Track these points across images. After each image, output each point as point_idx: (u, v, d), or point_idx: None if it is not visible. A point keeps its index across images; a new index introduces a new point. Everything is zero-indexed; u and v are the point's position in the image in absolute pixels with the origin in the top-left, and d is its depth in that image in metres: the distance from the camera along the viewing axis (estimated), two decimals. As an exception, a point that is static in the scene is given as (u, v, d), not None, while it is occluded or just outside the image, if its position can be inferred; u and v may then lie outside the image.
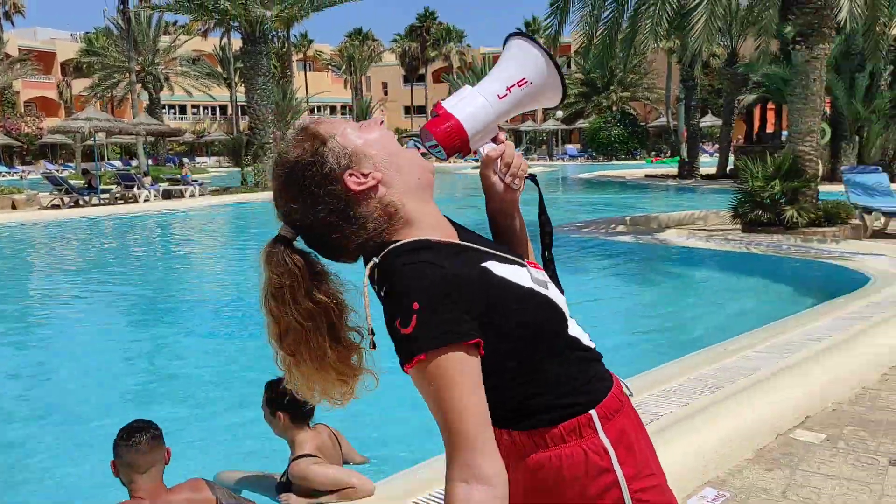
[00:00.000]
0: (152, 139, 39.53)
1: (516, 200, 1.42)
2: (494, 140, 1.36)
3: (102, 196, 21.61)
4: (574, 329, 1.33)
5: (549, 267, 1.44)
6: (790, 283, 8.73)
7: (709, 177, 27.10)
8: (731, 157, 27.42)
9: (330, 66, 70.08)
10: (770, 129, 34.31)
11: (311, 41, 70.82)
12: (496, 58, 1.44)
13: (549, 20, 11.57)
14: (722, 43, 25.04)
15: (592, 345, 1.36)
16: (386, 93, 76.57)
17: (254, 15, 24.21)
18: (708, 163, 31.13)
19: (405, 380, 1.20)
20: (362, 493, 3.00)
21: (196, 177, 28.10)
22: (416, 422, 4.74)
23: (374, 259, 1.24)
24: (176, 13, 29.25)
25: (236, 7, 24.12)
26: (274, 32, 28.82)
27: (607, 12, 11.30)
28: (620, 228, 12.55)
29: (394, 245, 1.23)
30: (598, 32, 11.45)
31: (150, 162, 34.17)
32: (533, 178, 1.43)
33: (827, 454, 3.50)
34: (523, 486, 1.29)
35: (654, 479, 1.32)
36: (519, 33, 1.35)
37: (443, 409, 1.15)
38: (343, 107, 74.66)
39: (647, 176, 30.70)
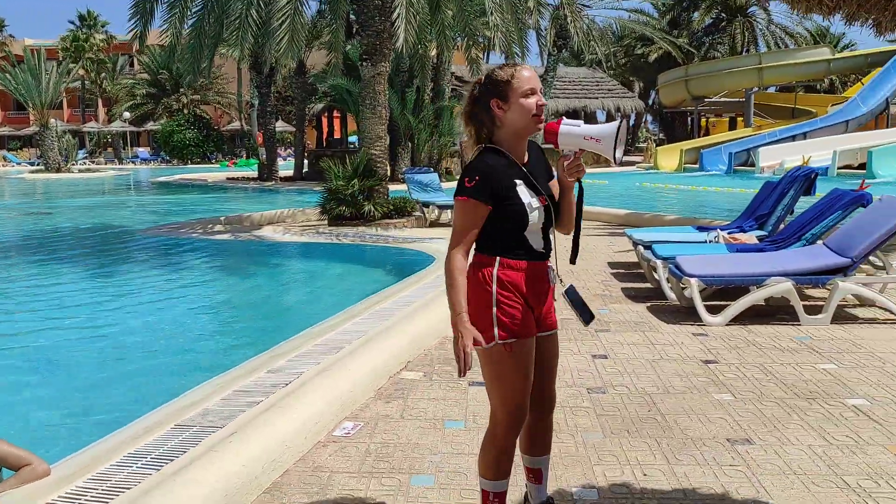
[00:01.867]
0: None
1: (569, 187, 2.56)
2: (576, 154, 2.47)
3: None
4: (533, 237, 2.48)
5: (577, 234, 2.64)
6: (376, 265, 10.19)
7: (287, 179, 28.56)
8: (306, 161, 29.29)
9: None
10: (337, 134, 37.26)
11: None
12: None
13: (133, 22, 11.39)
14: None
15: (543, 250, 2.52)
16: None
17: None
18: (284, 166, 32.63)
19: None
20: (40, 474, 3.06)
21: None
22: (74, 411, 4.72)
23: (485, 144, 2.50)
24: None
25: None
26: None
27: (192, 20, 11.56)
28: (218, 228, 12.91)
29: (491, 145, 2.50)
30: (184, 38, 11.64)
31: None
32: (579, 181, 2.54)
33: (426, 385, 4.57)
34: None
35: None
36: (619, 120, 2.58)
37: (455, 222, 2.46)
38: None
39: (228, 179, 31.12)
